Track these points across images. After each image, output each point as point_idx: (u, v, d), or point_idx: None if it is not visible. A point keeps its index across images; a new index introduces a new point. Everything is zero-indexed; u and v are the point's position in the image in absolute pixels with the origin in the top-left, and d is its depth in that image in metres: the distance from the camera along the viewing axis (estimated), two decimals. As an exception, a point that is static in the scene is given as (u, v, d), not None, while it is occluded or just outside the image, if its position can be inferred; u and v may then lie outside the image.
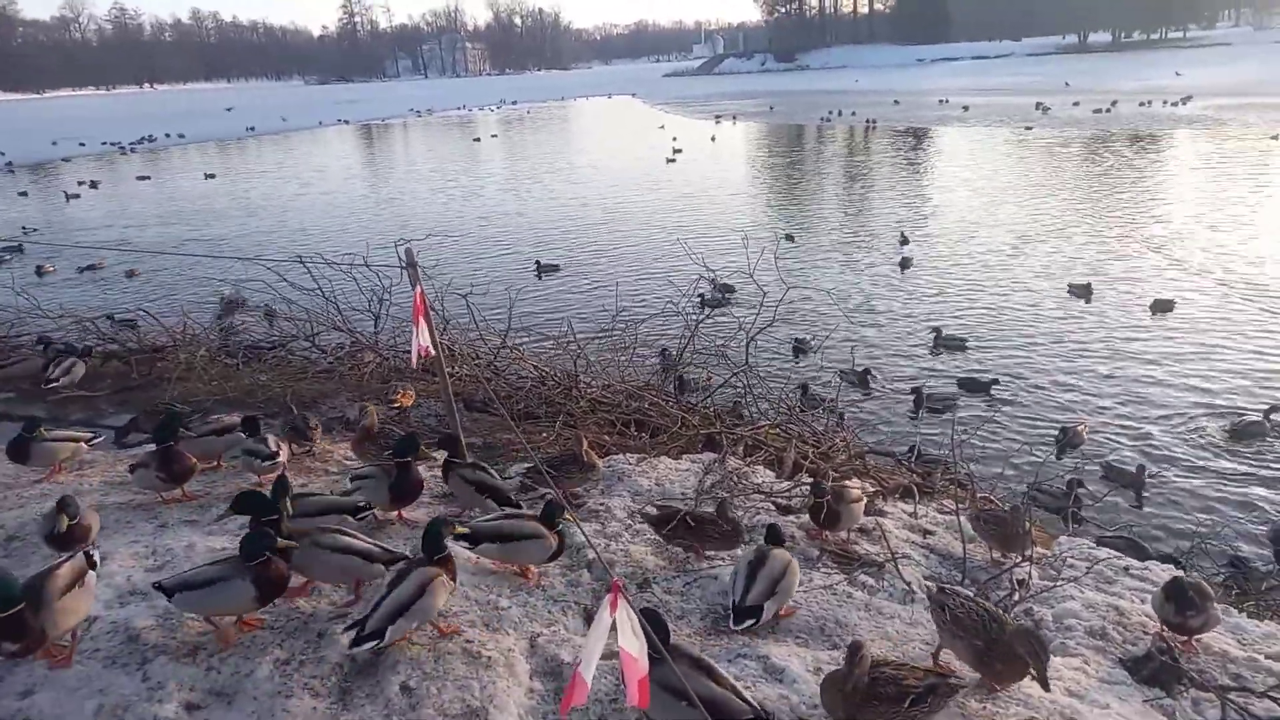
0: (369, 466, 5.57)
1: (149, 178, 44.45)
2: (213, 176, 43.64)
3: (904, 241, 21.71)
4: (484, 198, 33.83)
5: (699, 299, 14.29)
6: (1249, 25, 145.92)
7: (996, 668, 3.76)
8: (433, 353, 5.52)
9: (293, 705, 3.58)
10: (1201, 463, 10.26)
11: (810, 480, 5.77)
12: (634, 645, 2.17)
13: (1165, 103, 53.33)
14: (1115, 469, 10.01)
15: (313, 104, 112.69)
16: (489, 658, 3.92)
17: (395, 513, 5.46)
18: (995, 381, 12.50)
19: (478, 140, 59.74)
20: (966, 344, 14.41)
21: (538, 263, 19.36)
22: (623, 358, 9.46)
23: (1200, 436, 10.91)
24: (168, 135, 70.42)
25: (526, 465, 6.60)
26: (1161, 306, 15.48)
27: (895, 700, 3.38)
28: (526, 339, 11.32)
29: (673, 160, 40.87)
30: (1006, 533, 5.16)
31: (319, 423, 7.18)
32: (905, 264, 19.84)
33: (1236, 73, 72.25)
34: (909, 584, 4.94)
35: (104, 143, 64.39)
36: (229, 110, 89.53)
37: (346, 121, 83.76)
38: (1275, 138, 36.93)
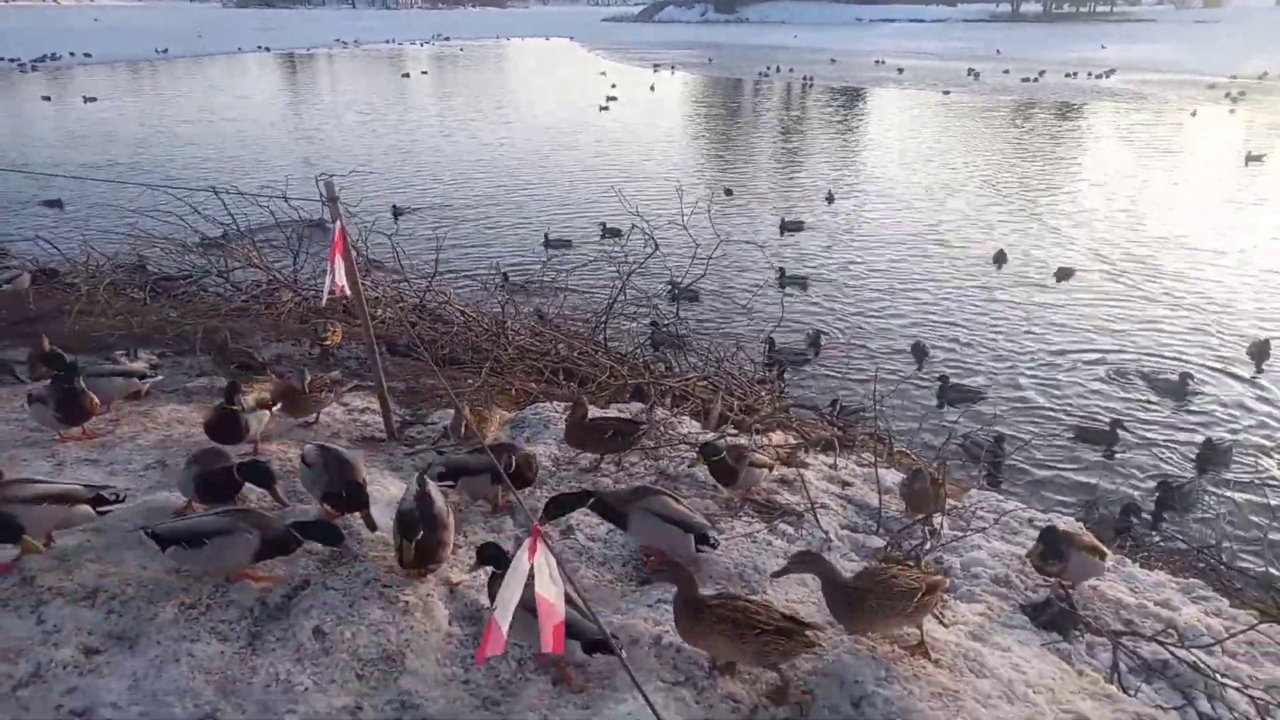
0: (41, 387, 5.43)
1: (50, 98, 41.63)
2: (93, 100, 40.91)
3: (829, 199, 22.00)
4: (412, 135, 32.76)
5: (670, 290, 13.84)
6: (1171, 3, 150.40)
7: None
8: (349, 292, 5.31)
9: (198, 650, 3.45)
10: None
11: (702, 440, 5.70)
12: (551, 591, 2.13)
13: (1090, 74, 54.75)
14: (1086, 429, 10.31)
15: (231, 28, 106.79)
16: (406, 602, 3.85)
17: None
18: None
19: (407, 76, 57.68)
20: (807, 282, 15.41)
21: (546, 236, 18.17)
22: (552, 304, 9.34)
23: (1107, 395, 11.44)
24: (72, 54, 65.96)
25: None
26: (1063, 274, 16.05)
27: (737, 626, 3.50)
28: (454, 282, 11.08)
29: (605, 108, 40.17)
30: (918, 488, 5.30)
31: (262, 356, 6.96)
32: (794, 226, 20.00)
33: (1158, 49, 74.54)
34: (826, 533, 5.05)
35: (1, 58, 59.90)
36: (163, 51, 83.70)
37: (267, 49, 79.72)
38: (1193, 114, 38.31)
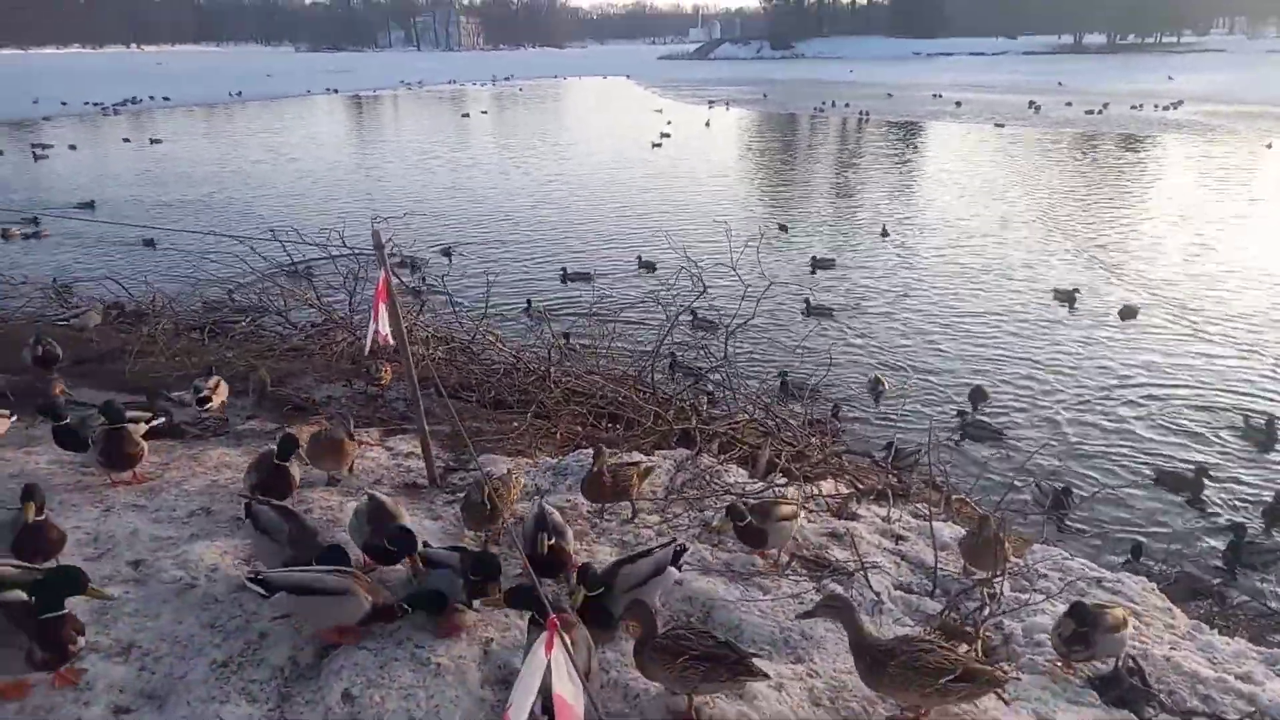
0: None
1: (130, 140, 43.63)
2: (159, 141, 42.65)
3: (884, 234, 21.71)
4: (469, 175, 33.38)
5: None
6: (1242, 34, 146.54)
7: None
8: (392, 341, 5.31)
9: (227, 712, 3.40)
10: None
11: (728, 503, 5.25)
12: (569, 689, 2.00)
13: (1157, 106, 53.41)
14: (1169, 474, 9.88)
15: (302, 71, 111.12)
16: (438, 664, 3.75)
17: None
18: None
19: (467, 116, 59.03)
20: (833, 313, 15.57)
21: (564, 270, 18.52)
22: (600, 346, 9.27)
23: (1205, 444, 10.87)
24: (152, 97, 69.20)
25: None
26: (1127, 314, 15.45)
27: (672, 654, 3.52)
28: (503, 323, 11.12)
29: (659, 145, 40.46)
30: (974, 545, 5.03)
31: (218, 380, 7.00)
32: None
33: (1228, 80, 72.50)
34: (878, 594, 4.82)
35: (86, 102, 63.14)
36: (237, 94, 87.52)
37: (336, 91, 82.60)
38: (1269, 146, 36.92)
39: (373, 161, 37.19)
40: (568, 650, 2.05)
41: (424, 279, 17.04)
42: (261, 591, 3.76)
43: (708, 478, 6.27)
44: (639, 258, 19.11)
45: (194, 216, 24.94)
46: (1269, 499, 9.35)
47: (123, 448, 5.34)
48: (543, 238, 22.54)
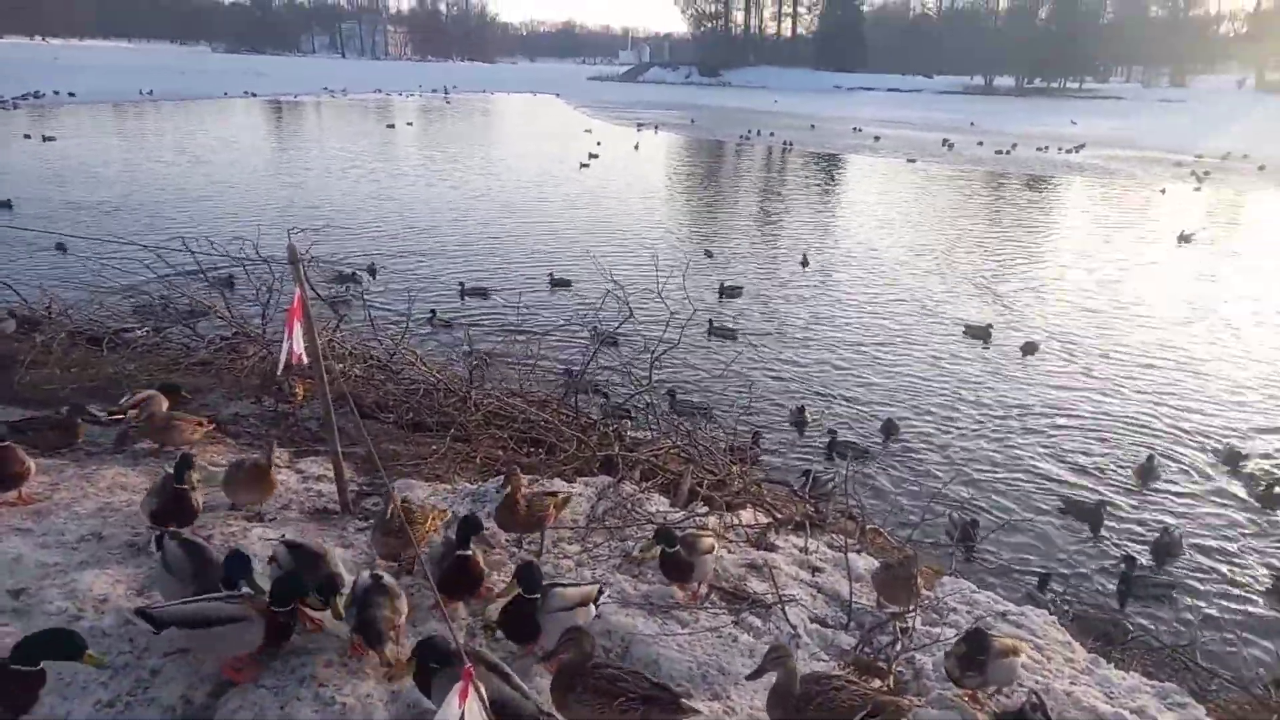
0: None
1: (30, 136, 41.38)
2: (52, 139, 40.51)
3: (804, 263, 22.23)
4: (392, 187, 32.77)
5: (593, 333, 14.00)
6: (1138, 82, 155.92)
7: None
8: (305, 360, 5.12)
9: (111, 758, 3.18)
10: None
11: (659, 527, 5.15)
12: (483, 742, 1.93)
13: (1060, 149, 56.28)
14: (1074, 504, 10.24)
15: (218, 72, 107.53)
16: (343, 704, 3.60)
17: None
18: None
19: (392, 127, 58.07)
20: (736, 334, 16.12)
21: (551, 275, 19.25)
22: (522, 370, 9.17)
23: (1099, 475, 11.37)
24: (56, 92, 65.86)
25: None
26: (1029, 349, 16.10)
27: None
28: (422, 341, 10.91)
29: (587, 165, 40.57)
30: (891, 579, 5.12)
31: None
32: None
33: (1125, 126, 76.91)
34: (795, 627, 4.85)
35: (-19, 94, 59.71)
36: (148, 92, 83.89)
37: (254, 94, 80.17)
38: (1162, 191, 39.29)
39: (292, 169, 36.17)
40: (482, 700, 1.98)
41: (348, 289, 16.62)
42: (150, 627, 3.55)
43: (629, 506, 6.24)
44: (550, 275, 19.37)
45: (102, 220, 23.74)
46: (1156, 534, 9.84)
47: (7, 466, 4.99)
48: (468, 253, 22.27)
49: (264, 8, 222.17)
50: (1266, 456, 12.02)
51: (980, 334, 16.92)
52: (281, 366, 5.08)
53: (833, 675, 3.77)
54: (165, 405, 6.66)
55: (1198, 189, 40.19)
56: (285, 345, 5.02)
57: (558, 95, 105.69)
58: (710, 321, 16.39)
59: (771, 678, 3.67)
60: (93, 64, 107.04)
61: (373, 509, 5.95)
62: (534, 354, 9.59)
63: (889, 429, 12.20)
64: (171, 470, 4.91)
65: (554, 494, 5.78)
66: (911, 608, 5.08)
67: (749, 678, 3.87)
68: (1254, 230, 31.91)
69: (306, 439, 7.35)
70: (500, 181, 35.31)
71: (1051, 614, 6.38)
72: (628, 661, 4.34)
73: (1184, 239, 27.12)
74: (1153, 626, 8.05)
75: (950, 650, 4.39)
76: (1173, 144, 59.32)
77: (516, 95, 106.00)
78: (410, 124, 60.85)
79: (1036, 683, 4.99)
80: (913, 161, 48.37)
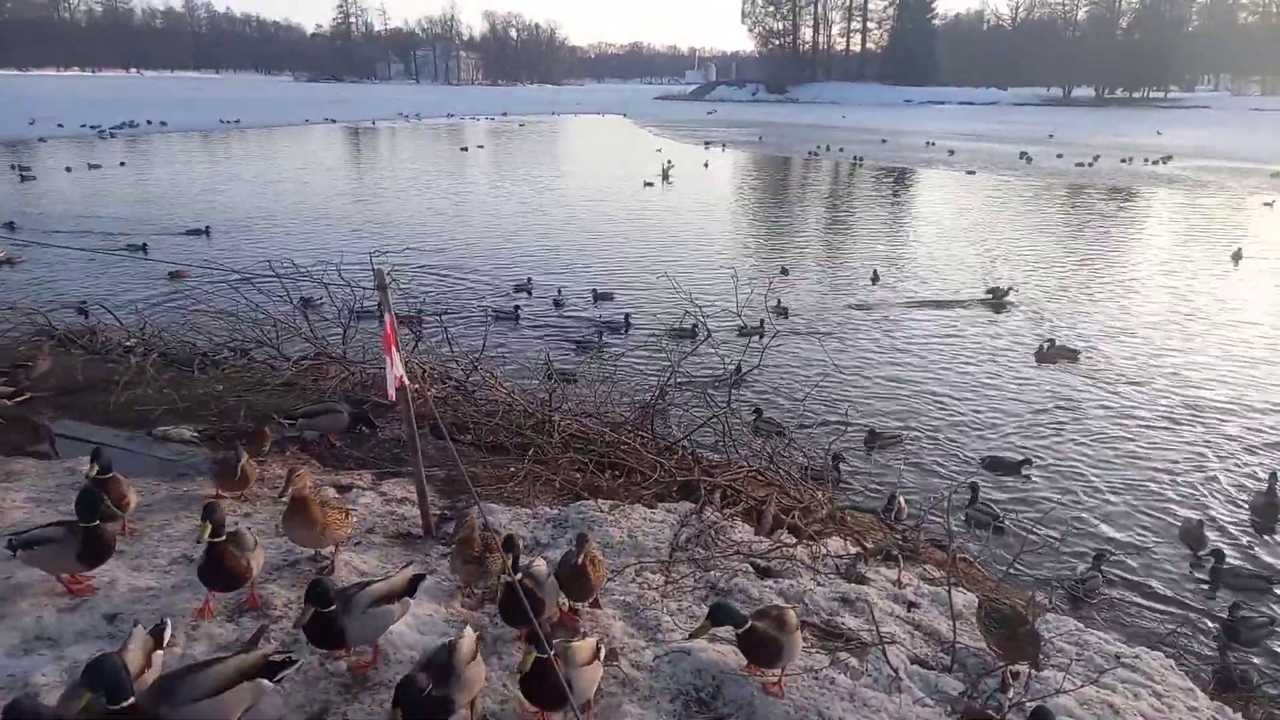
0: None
1: (125, 164, 43.54)
2: (123, 164, 42.49)
3: (875, 279, 21.75)
4: (468, 210, 33.38)
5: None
6: (1226, 90, 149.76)
7: None
8: (407, 383, 5.13)
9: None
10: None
11: (714, 604, 4.20)
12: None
13: (1146, 160, 54.21)
14: (1190, 533, 9.71)
15: (301, 101, 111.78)
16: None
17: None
18: (1027, 462, 11.49)
19: (465, 150, 59.33)
20: (695, 332, 14.66)
21: (594, 291, 19.76)
22: (599, 392, 9.08)
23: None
24: (149, 122, 69.31)
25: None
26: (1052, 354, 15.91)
27: None
28: (502, 362, 10.94)
29: (651, 185, 40.58)
30: (1014, 640, 4.70)
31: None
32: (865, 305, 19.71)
33: (1214, 136, 73.81)
34: (895, 670, 4.58)
35: (83, 125, 63.17)
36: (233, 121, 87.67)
37: (334, 121, 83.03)
38: (1270, 204, 37.00)
39: (371, 195, 37.18)
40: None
41: (420, 310, 16.89)
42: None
43: (713, 534, 6.06)
44: (594, 291, 19.63)
45: (189, 246, 24.72)
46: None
47: (113, 496, 5.07)
48: (544, 269, 22.42)
49: (343, 38, 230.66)
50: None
51: (1067, 354, 16.15)
52: (392, 393, 5.09)
53: None
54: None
55: (1269, 204, 37.46)
56: (389, 372, 5.04)
57: (625, 115, 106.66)
58: (743, 324, 15.22)
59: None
60: (182, 96, 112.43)
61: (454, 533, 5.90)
62: (610, 375, 9.49)
63: (871, 440, 11.92)
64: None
65: (342, 500, 5.70)
66: (1033, 664, 4.74)
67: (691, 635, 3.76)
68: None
69: (385, 459, 7.38)
70: (574, 209, 35.51)
71: (1168, 657, 5.97)
72: (719, 703, 4.15)
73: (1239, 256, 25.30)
74: (1265, 669, 7.48)
75: None
76: (1268, 154, 56.51)
77: (584, 116, 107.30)
78: (482, 146, 62.08)
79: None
80: (972, 174, 47.12)
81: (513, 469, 7.19)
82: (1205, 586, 8.96)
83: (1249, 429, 13.05)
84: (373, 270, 5.43)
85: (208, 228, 26.09)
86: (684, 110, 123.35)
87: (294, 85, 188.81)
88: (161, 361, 9.49)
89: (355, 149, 61.06)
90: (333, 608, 3.75)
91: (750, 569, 5.78)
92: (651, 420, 8.86)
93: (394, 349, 5.00)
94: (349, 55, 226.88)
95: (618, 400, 9.25)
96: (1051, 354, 16.20)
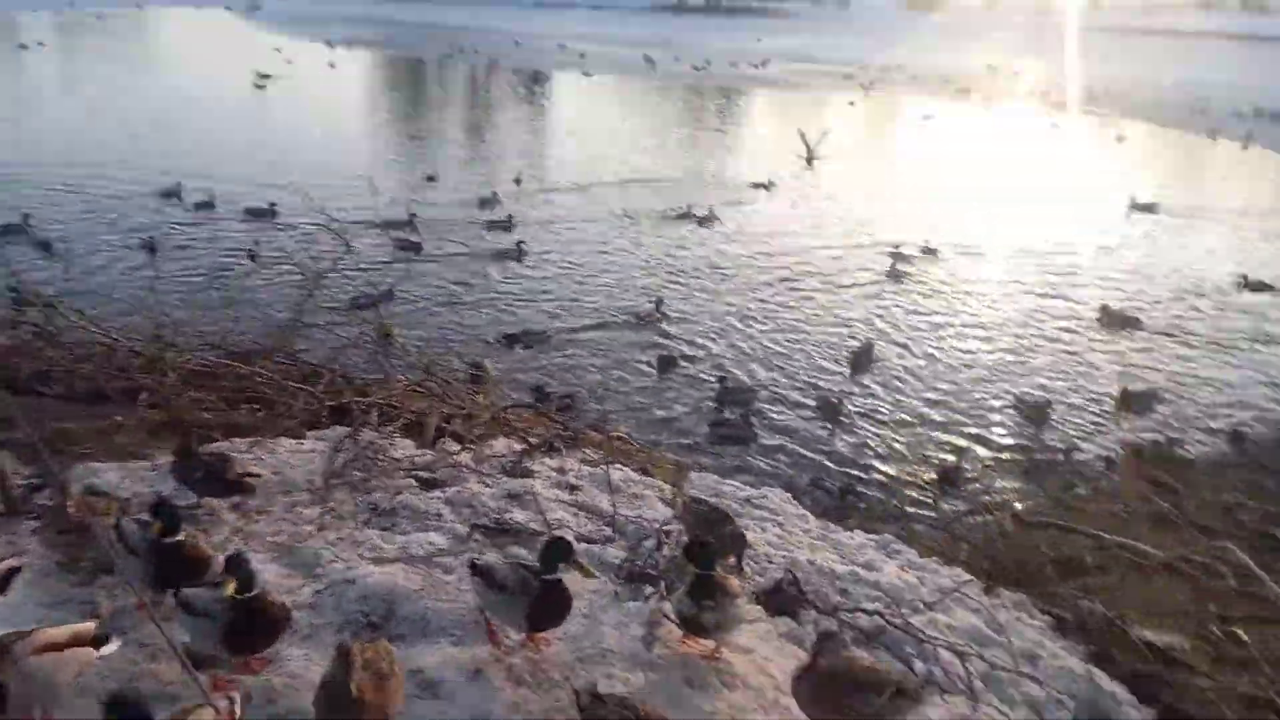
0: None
1: None
2: None
3: (518, 182, 21.91)
4: (39, 120, 27.55)
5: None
6: (808, 1, 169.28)
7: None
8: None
9: None
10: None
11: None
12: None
13: (750, 65, 59.84)
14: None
15: None
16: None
17: None
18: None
19: (24, 48, 48.73)
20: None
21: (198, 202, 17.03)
22: (224, 318, 8.09)
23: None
24: None
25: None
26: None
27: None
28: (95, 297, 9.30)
29: (261, 86, 36.66)
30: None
31: None
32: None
33: (804, 43, 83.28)
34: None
35: None
36: None
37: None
38: (852, 104, 42.43)
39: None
40: None
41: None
42: None
43: (372, 455, 5.75)
44: (198, 202, 17.71)
45: None
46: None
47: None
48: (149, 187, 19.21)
49: None
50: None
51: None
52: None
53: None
54: None
55: (852, 103, 43.66)
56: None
57: (227, 8, 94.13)
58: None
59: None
60: None
61: (49, 503, 4.95)
62: (234, 298, 8.50)
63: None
64: None
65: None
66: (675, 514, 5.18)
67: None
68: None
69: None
70: (178, 105, 30.83)
71: (787, 490, 6.93)
72: (392, 624, 4.01)
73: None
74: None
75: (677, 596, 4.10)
76: (843, 58, 65.20)
77: (179, 8, 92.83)
78: (42, 44, 51.23)
79: (784, 557, 5.35)
80: (594, 77, 48.79)
81: (120, 418, 6.18)
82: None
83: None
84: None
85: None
86: (294, 3, 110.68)
87: None
88: None
89: None
90: None
91: (415, 483, 5.61)
92: (292, 347, 8.13)
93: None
94: None
95: (244, 330, 8.32)
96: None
